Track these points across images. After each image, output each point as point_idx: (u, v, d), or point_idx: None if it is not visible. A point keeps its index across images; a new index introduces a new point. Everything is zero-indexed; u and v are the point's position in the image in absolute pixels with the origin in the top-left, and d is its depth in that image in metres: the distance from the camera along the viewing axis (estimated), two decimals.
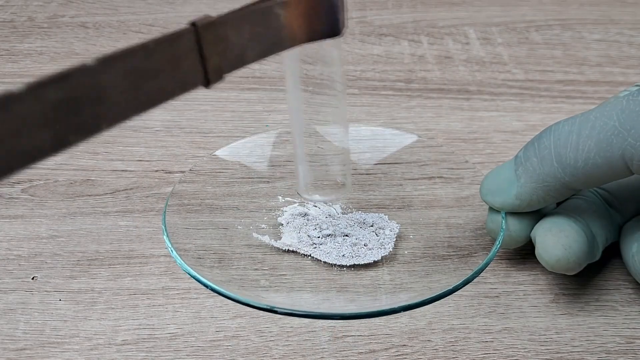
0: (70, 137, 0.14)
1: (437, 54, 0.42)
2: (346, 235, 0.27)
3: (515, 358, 0.23)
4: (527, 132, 0.34)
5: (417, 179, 0.29)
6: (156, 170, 0.31)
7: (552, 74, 0.40)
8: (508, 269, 0.26)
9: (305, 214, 0.28)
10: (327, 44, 0.21)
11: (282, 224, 0.28)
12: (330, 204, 0.29)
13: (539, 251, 0.23)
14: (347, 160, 0.25)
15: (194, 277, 0.22)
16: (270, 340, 0.23)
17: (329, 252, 0.26)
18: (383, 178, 0.30)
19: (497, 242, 0.23)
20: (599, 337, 0.24)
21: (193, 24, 0.16)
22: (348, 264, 0.26)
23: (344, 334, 0.24)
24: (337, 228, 0.27)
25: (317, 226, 0.27)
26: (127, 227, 0.28)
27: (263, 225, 0.28)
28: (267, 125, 0.30)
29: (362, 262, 0.26)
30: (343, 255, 0.26)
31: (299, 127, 0.23)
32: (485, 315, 0.24)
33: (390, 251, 0.26)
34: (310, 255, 0.26)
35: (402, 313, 0.24)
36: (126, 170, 0.31)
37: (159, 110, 0.35)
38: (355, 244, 0.26)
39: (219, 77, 0.17)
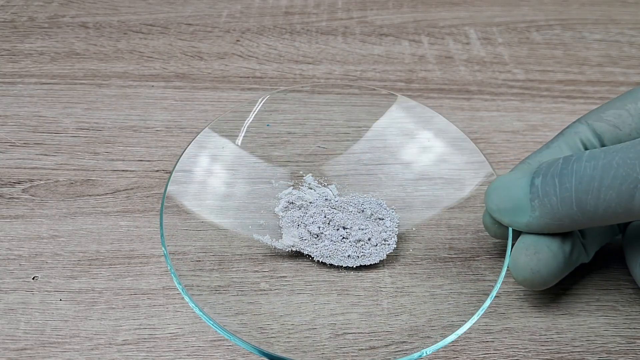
0: None
1: (437, 54, 0.42)
2: (346, 228, 0.26)
3: (516, 358, 0.23)
4: (527, 132, 0.34)
5: (418, 179, 0.29)
6: (157, 170, 0.31)
7: (553, 74, 0.40)
8: (508, 268, 0.26)
9: (301, 204, 0.27)
10: None
11: (279, 216, 0.27)
12: (326, 184, 0.29)
13: (510, 265, 0.23)
14: None
15: (200, 313, 0.22)
16: (271, 337, 0.23)
17: (333, 252, 0.26)
18: (384, 178, 0.30)
19: (504, 268, 0.23)
20: (599, 337, 0.24)
21: None
22: (354, 266, 0.26)
23: (344, 331, 0.24)
24: (337, 220, 0.27)
25: (316, 219, 0.27)
26: (127, 227, 0.28)
27: (262, 222, 0.27)
28: (268, 125, 0.30)
29: (368, 263, 0.26)
30: (348, 256, 0.26)
31: None
32: (485, 314, 0.24)
33: (394, 248, 0.26)
34: (313, 258, 0.26)
35: (403, 312, 0.24)
36: (127, 170, 0.31)
37: (159, 110, 0.35)
38: (359, 240, 0.26)
39: None
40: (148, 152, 0.32)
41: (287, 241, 0.26)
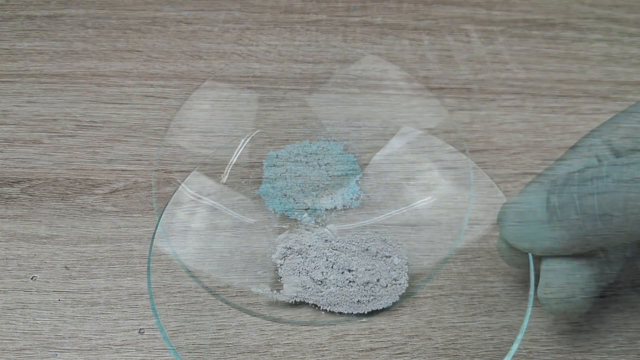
0: None
1: (438, 53, 0.42)
2: (352, 270, 0.24)
3: (516, 358, 0.23)
4: (528, 132, 0.34)
5: (419, 179, 0.29)
6: (156, 170, 0.31)
7: (554, 72, 0.40)
8: (508, 267, 0.26)
9: (300, 248, 0.25)
10: None
11: (277, 264, 0.25)
12: (324, 224, 0.27)
13: (541, 296, 0.21)
14: None
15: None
16: (271, 338, 0.23)
17: (341, 299, 0.24)
18: (384, 179, 0.30)
19: (530, 301, 0.22)
20: (600, 337, 0.24)
21: None
22: (366, 312, 0.24)
23: (344, 332, 0.23)
24: (340, 262, 0.25)
25: (318, 264, 0.25)
26: (126, 227, 0.28)
27: (259, 273, 0.25)
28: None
29: (381, 307, 0.24)
30: (358, 301, 0.24)
31: None
32: (485, 313, 0.24)
33: (406, 287, 0.24)
34: (320, 307, 0.24)
35: (402, 311, 0.24)
36: (126, 170, 0.31)
37: (159, 109, 0.35)
38: (367, 282, 0.24)
39: None
40: (148, 152, 0.32)
41: (289, 291, 0.24)
